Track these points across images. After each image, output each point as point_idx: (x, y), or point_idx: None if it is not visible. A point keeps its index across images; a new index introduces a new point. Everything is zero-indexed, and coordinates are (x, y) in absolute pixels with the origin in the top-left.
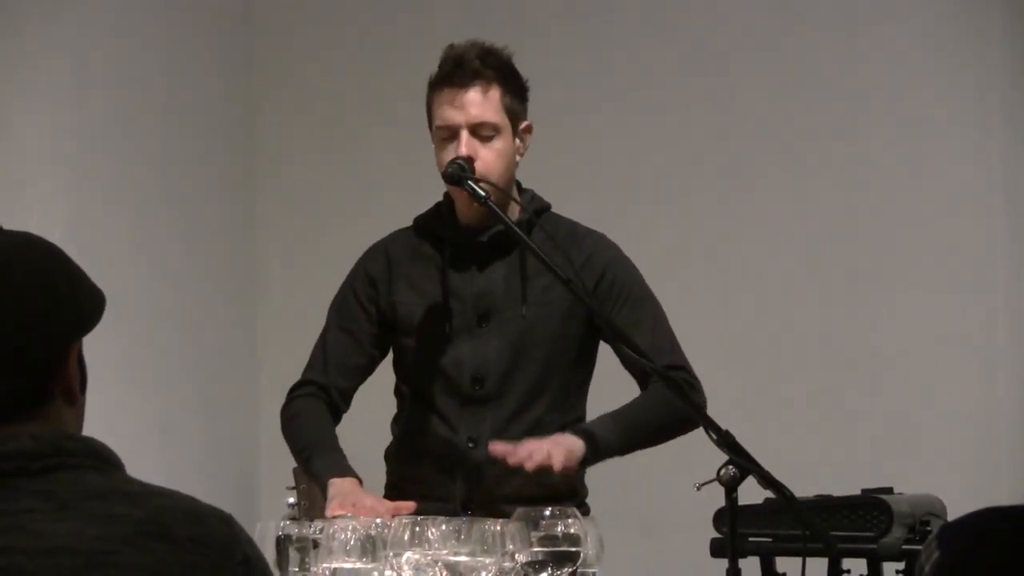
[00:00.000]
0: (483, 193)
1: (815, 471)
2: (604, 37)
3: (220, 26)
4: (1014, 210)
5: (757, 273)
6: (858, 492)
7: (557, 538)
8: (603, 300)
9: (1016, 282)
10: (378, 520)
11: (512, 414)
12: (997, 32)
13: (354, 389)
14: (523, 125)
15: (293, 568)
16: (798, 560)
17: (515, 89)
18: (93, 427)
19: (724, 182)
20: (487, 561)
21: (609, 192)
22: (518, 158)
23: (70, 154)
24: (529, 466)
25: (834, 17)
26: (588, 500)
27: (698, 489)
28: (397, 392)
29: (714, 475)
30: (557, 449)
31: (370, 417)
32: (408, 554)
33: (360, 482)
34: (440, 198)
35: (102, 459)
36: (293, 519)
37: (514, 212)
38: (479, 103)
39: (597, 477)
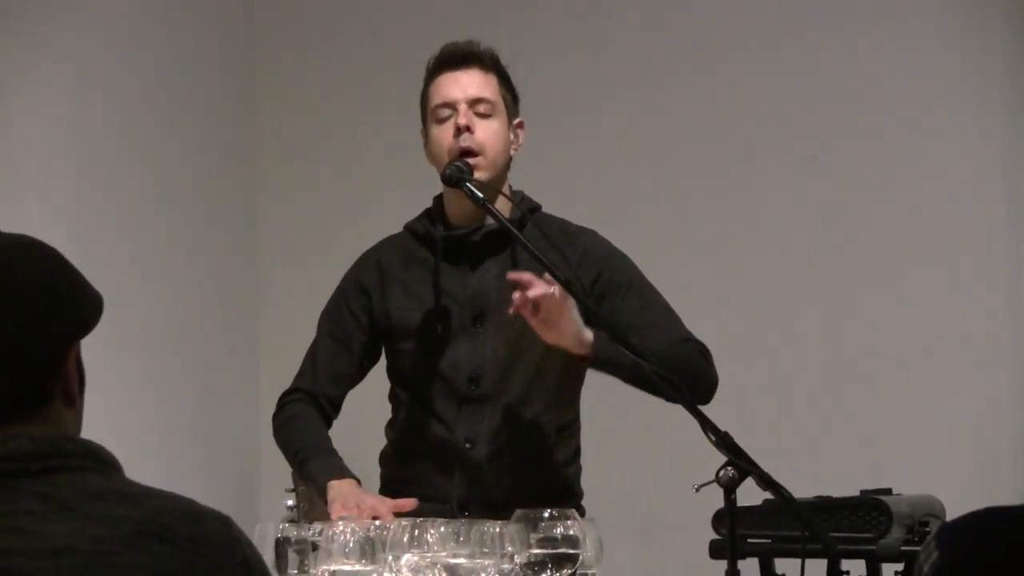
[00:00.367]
0: (481, 196)
1: (814, 472)
2: (604, 37)
3: (220, 26)
4: (1014, 210)
5: (757, 273)
6: (857, 493)
7: (556, 540)
8: (604, 295)
9: (1016, 282)
10: (377, 522)
11: (509, 413)
12: (997, 32)
13: (342, 397)
14: (516, 120)
15: (292, 570)
16: (797, 561)
17: (509, 85)
18: (93, 428)
19: (724, 182)
20: (486, 563)
21: (608, 192)
22: (512, 152)
23: (70, 154)
24: (531, 294)
25: (834, 17)
26: (588, 501)
27: (697, 490)
28: (392, 397)
29: (713, 476)
30: (566, 303)
31: (361, 422)
32: (407, 556)
33: (359, 482)
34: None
35: (101, 461)
36: (292, 521)
37: (506, 210)
38: (478, 81)
39: (597, 477)
